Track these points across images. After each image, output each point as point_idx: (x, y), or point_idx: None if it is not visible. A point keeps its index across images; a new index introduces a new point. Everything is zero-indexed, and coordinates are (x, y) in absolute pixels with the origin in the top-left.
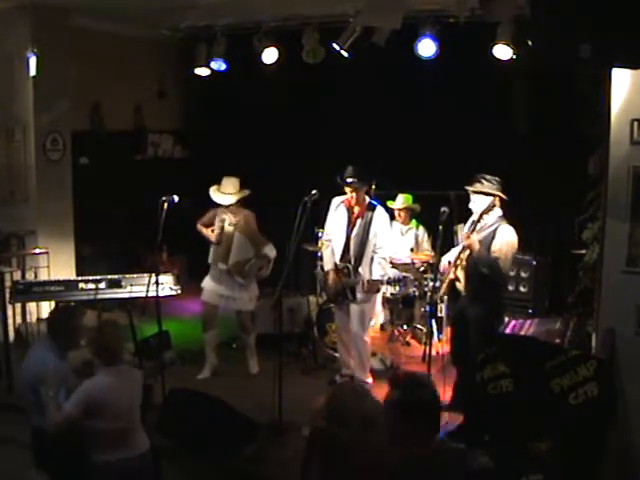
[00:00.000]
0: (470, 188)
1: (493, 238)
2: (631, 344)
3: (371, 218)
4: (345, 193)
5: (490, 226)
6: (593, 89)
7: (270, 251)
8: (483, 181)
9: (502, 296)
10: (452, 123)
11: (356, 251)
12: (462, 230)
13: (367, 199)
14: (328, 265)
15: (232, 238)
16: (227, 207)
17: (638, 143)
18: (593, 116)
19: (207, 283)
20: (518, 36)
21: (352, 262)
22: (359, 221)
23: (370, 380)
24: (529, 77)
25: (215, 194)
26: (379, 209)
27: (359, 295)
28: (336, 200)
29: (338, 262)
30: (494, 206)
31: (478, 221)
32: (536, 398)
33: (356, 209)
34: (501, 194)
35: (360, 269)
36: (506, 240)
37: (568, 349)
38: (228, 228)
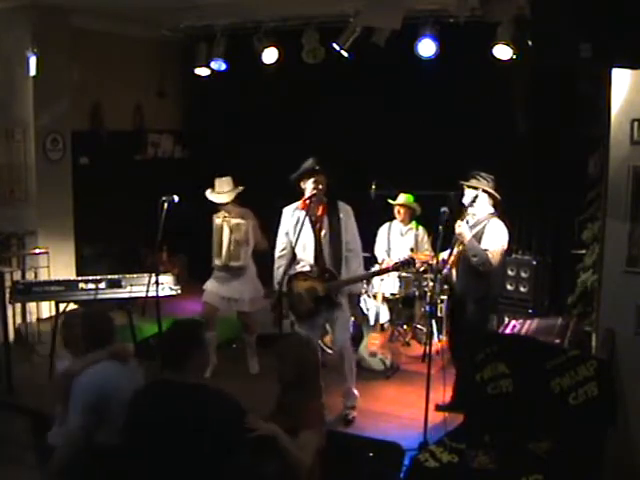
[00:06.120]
0: (465, 183)
1: (483, 233)
2: (631, 344)
3: (337, 213)
4: (297, 199)
5: (481, 222)
6: (593, 89)
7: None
8: (479, 178)
9: (494, 289)
10: (452, 123)
11: (331, 252)
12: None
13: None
14: (278, 278)
15: (222, 230)
16: (224, 206)
17: (638, 143)
18: (593, 116)
19: (209, 285)
20: (518, 36)
21: (329, 264)
22: (325, 220)
23: (357, 392)
24: (529, 77)
25: (211, 195)
26: (340, 203)
27: (343, 300)
28: (288, 209)
29: (313, 268)
30: (476, 196)
31: (466, 210)
32: (536, 398)
33: (317, 210)
34: (493, 191)
35: (341, 270)
36: (495, 235)
37: (568, 349)
38: (217, 221)
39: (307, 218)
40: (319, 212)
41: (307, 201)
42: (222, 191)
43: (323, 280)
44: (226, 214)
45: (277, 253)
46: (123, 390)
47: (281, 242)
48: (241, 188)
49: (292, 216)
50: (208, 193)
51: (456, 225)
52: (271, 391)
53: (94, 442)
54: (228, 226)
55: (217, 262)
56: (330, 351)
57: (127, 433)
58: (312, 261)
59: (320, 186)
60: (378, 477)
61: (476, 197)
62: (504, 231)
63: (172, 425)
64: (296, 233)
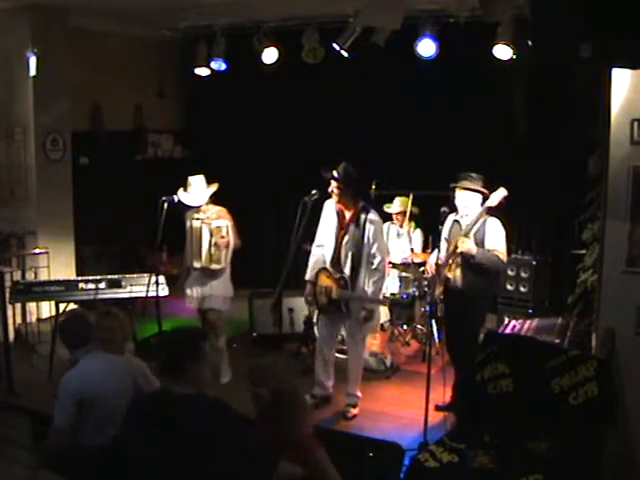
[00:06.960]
0: (457, 185)
1: (484, 233)
2: (631, 344)
3: (364, 223)
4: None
5: (475, 222)
6: (593, 89)
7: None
8: (470, 179)
9: (498, 286)
10: (452, 123)
11: (350, 261)
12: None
13: (360, 203)
14: (312, 272)
15: (200, 232)
16: (197, 207)
17: (638, 143)
18: (593, 116)
19: (188, 288)
20: (518, 36)
21: (346, 273)
22: (351, 227)
23: (359, 394)
24: (529, 77)
25: (184, 195)
26: (372, 213)
27: (354, 312)
28: (328, 203)
29: (331, 269)
30: (496, 205)
31: (476, 222)
32: (536, 398)
33: (347, 213)
34: (486, 191)
35: (357, 282)
36: (497, 233)
37: (568, 349)
38: (195, 223)
39: (337, 220)
40: (348, 218)
41: (338, 202)
42: (196, 192)
43: (339, 285)
44: (203, 215)
45: (315, 243)
46: (103, 386)
47: (319, 234)
48: (216, 186)
49: (328, 212)
50: (181, 193)
51: (459, 242)
52: None
53: (78, 442)
54: (208, 229)
55: (196, 264)
56: (339, 355)
57: (124, 442)
58: (329, 264)
59: (335, 191)
60: (378, 477)
61: (480, 213)
62: (502, 227)
63: (168, 436)
64: (325, 230)
